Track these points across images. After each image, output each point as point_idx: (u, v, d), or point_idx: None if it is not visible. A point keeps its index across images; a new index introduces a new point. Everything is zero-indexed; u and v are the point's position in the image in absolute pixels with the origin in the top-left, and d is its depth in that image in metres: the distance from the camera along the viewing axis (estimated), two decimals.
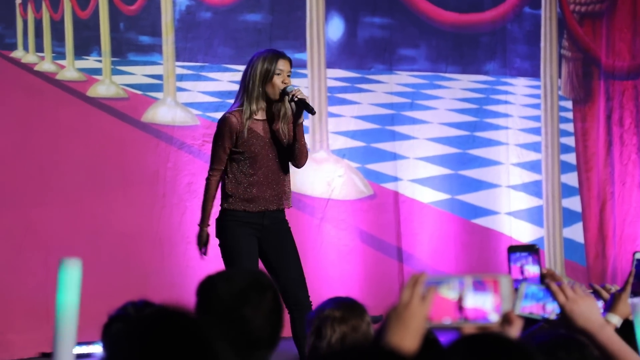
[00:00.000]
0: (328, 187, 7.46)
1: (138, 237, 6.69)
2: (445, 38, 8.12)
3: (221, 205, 4.92)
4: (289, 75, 4.77)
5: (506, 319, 1.81)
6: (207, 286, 2.09)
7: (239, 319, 2.03)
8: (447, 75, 8.18)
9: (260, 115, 4.83)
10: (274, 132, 4.84)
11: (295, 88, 4.77)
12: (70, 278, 1.81)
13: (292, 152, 4.85)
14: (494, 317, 1.80)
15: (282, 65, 4.76)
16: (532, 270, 2.24)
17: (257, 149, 4.81)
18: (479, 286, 1.82)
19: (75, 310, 1.81)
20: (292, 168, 4.97)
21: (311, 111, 4.75)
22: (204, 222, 4.91)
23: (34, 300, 6.01)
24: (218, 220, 4.91)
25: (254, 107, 4.77)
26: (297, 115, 4.77)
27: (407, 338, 1.67)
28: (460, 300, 1.80)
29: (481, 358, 1.48)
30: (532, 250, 2.27)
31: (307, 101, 4.76)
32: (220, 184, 4.92)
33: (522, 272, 2.24)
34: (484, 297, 1.81)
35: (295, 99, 4.73)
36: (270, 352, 2.09)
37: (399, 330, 1.71)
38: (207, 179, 4.92)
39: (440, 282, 1.81)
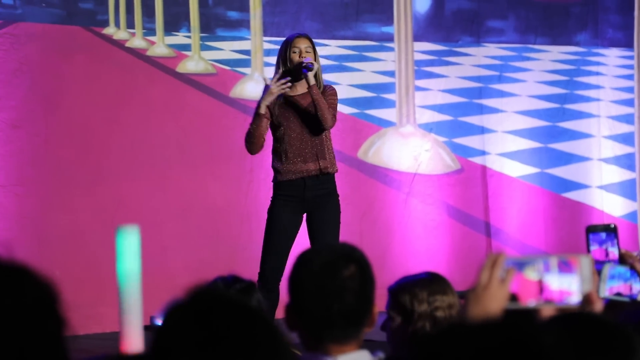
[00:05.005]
0: (415, 161, 7.43)
1: (226, 212, 6.77)
2: (534, 9, 7.99)
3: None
4: (308, 52, 5.01)
5: (587, 300, 1.78)
6: (291, 274, 2.10)
7: (319, 304, 2.04)
8: (536, 46, 8.05)
9: (293, 92, 5.07)
10: (303, 107, 5.06)
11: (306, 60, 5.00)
12: (129, 245, 1.81)
13: (317, 117, 5.02)
14: (576, 299, 1.78)
15: (297, 43, 5.03)
16: (616, 252, 2.19)
17: (286, 123, 5.04)
18: (565, 267, 1.78)
19: (138, 277, 1.81)
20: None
21: (306, 66, 4.93)
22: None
23: None
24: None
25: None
26: (306, 80, 4.97)
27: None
28: (544, 281, 1.77)
29: (577, 337, 1.45)
30: (610, 229, 2.21)
31: (305, 63, 4.96)
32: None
33: (606, 254, 2.19)
34: (570, 278, 1.78)
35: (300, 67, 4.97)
36: (359, 329, 2.08)
37: (479, 312, 1.70)
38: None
39: (522, 263, 1.78)
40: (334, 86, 5.20)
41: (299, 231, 5.11)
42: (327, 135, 5.10)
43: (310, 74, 4.94)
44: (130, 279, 1.79)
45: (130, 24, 6.76)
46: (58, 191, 6.32)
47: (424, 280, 2.58)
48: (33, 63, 6.33)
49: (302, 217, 5.07)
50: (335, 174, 5.15)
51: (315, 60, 5.02)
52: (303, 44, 5.02)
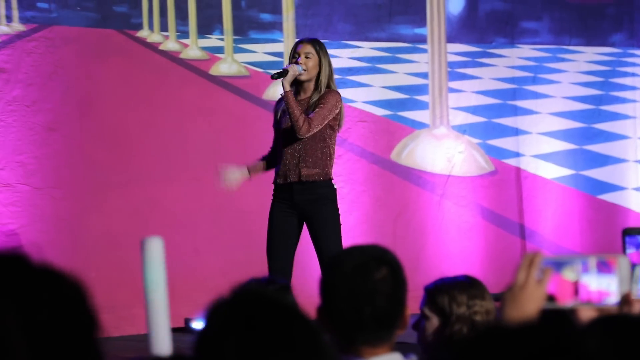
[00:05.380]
0: (448, 163, 7.40)
1: (260, 214, 6.76)
2: (568, 9, 7.93)
3: None
4: (308, 57, 5.01)
5: (625, 301, 1.76)
6: (323, 276, 2.09)
7: (351, 306, 2.03)
8: (570, 47, 7.99)
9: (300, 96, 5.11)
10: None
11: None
12: (153, 256, 1.83)
13: None
14: (615, 299, 1.75)
15: (298, 48, 5.05)
16: None
17: (280, 128, 5.13)
18: (604, 267, 1.76)
19: (164, 287, 1.83)
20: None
21: (281, 73, 4.96)
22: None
23: None
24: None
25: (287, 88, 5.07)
26: (283, 86, 5.00)
27: (524, 320, 1.64)
28: (582, 281, 1.74)
29: (621, 341, 1.42)
30: None
31: (281, 71, 4.99)
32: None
33: None
34: (609, 278, 1.75)
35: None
36: (391, 331, 2.07)
37: (515, 312, 1.69)
38: None
39: (560, 263, 1.75)
40: (340, 91, 5.11)
41: (304, 233, 5.12)
42: (321, 142, 5.05)
43: (285, 80, 4.93)
44: (156, 290, 1.82)
45: (164, 27, 6.79)
46: (93, 193, 6.36)
47: (463, 283, 2.55)
48: (68, 66, 6.37)
49: (299, 220, 5.09)
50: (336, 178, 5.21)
51: (320, 65, 5.01)
52: (304, 50, 5.03)
